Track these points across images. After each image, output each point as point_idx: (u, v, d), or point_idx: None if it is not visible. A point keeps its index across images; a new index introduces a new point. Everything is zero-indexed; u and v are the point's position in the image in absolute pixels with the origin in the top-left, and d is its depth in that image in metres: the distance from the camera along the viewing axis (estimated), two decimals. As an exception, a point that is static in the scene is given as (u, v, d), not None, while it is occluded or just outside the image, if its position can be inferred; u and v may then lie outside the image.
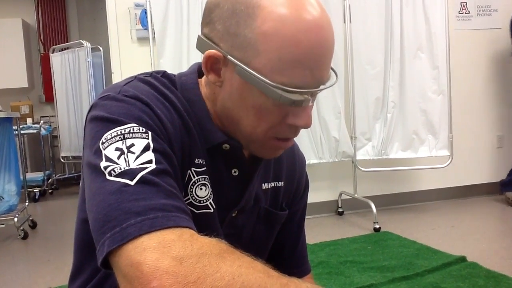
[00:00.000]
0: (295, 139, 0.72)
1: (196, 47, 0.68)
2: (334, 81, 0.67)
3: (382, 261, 2.39)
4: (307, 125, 0.65)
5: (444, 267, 2.25)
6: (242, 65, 0.61)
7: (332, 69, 0.67)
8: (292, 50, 0.59)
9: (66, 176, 5.85)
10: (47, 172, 5.45)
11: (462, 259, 2.33)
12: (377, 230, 2.99)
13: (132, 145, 0.59)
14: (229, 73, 0.64)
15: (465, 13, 3.78)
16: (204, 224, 0.66)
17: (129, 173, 0.56)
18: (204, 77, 0.72)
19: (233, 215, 0.76)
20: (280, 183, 0.84)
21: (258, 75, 0.61)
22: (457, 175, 3.74)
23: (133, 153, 0.58)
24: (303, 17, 0.59)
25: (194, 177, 0.69)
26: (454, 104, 3.39)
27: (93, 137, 0.61)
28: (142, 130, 0.60)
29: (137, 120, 0.61)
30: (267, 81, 0.60)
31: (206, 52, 0.64)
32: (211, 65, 0.65)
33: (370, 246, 2.66)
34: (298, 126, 0.66)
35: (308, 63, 0.60)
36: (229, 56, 0.63)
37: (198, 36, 0.67)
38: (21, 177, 3.59)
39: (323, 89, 0.64)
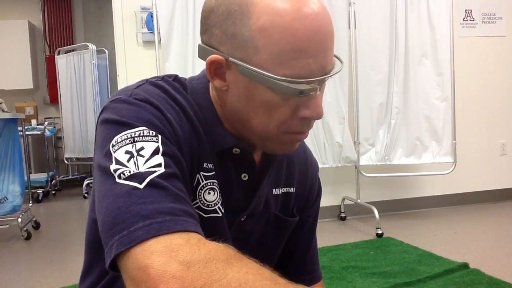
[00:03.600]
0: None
1: (198, 56, 0.68)
2: (340, 67, 0.65)
3: (384, 267, 2.38)
4: (319, 115, 0.64)
5: (446, 273, 2.24)
6: (245, 64, 0.61)
7: (336, 57, 0.66)
8: (290, 40, 0.59)
9: (70, 177, 5.87)
10: (50, 173, 5.47)
11: (465, 265, 2.32)
12: (379, 235, 2.99)
13: (142, 148, 0.59)
14: (233, 75, 0.64)
15: (470, 20, 3.79)
16: (212, 228, 0.66)
17: (138, 177, 0.56)
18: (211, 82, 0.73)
19: (242, 219, 0.75)
20: (292, 189, 0.83)
21: (261, 71, 0.60)
22: (460, 181, 3.74)
23: (143, 156, 0.58)
24: (296, 6, 0.59)
25: (202, 181, 0.69)
26: (458, 111, 3.39)
27: (104, 140, 0.61)
28: (152, 133, 0.60)
29: (147, 124, 0.61)
30: (271, 75, 0.60)
31: (208, 58, 0.64)
32: (215, 71, 0.65)
33: (372, 252, 2.66)
34: (309, 118, 0.65)
35: (309, 50, 0.59)
36: (230, 58, 0.62)
37: (199, 45, 0.67)
38: (25, 178, 3.61)
39: (330, 76, 0.63)
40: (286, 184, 0.82)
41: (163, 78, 0.71)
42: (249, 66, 0.61)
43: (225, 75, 0.65)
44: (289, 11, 0.59)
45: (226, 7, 0.62)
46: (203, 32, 0.67)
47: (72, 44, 6.11)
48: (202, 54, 0.66)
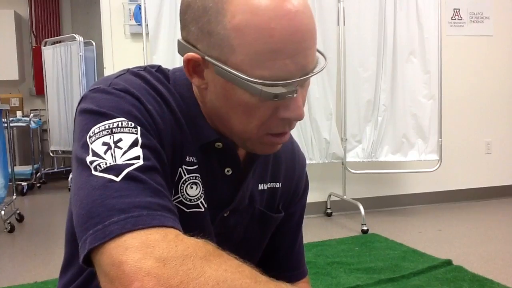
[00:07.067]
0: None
1: (178, 52, 0.65)
2: (323, 65, 0.62)
3: (369, 263, 2.40)
4: (298, 117, 0.62)
5: (430, 270, 2.26)
6: (220, 64, 0.59)
7: (320, 52, 0.63)
8: (267, 40, 0.56)
9: (55, 170, 5.80)
10: (35, 165, 5.40)
11: (448, 262, 2.35)
12: (364, 232, 3.00)
13: (120, 140, 0.57)
14: (211, 74, 0.62)
15: (458, 19, 3.81)
16: (194, 223, 0.65)
17: (115, 169, 0.54)
18: None
19: (225, 214, 0.73)
20: (278, 184, 0.81)
21: (236, 72, 0.57)
22: (446, 179, 3.77)
23: (120, 148, 0.56)
24: (273, 4, 0.55)
25: (185, 175, 0.67)
26: (444, 109, 3.41)
27: (81, 130, 0.59)
28: (131, 124, 0.58)
29: (126, 114, 0.59)
30: (245, 77, 0.57)
31: (185, 56, 0.62)
32: (193, 68, 0.63)
33: (357, 248, 2.67)
34: (289, 119, 0.62)
35: (286, 51, 0.56)
36: (206, 57, 0.60)
37: (178, 40, 0.65)
38: (9, 170, 3.56)
39: (310, 77, 0.60)
40: (272, 179, 0.80)
41: (145, 68, 0.69)
42: (224, 67, 0.58)
43: (203, 73, 0.63)
44: (265, 9, 0.55)
45: (202, 3, 0.59)
46: (182, 27, 0.64)
47: (59, 36, 6.02)
48: (181, 51, 0.64)
